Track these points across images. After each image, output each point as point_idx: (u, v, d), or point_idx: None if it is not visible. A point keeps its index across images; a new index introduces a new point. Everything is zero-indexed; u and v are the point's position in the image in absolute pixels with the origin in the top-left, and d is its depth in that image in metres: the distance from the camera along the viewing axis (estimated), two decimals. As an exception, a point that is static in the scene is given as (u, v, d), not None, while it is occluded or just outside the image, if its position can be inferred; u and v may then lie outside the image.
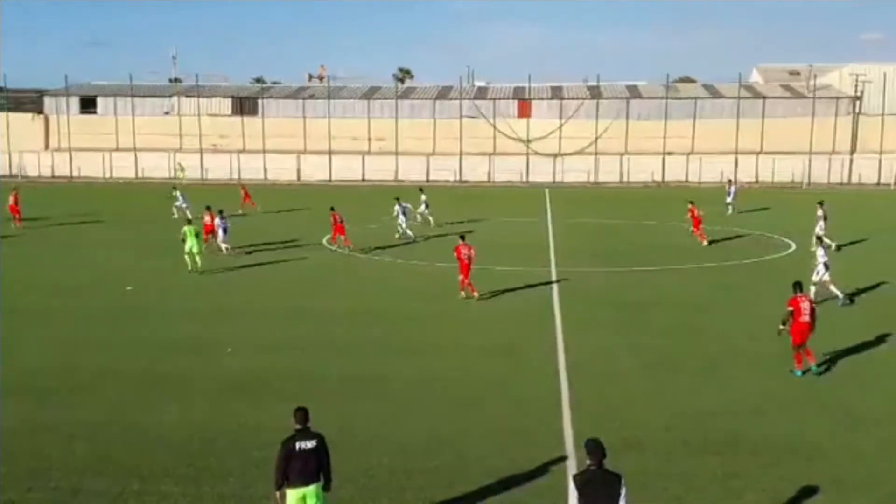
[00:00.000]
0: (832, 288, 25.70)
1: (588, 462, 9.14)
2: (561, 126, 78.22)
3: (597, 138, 76.89)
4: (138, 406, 16.71)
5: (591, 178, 75.46)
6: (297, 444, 10.45)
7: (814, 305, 19.10)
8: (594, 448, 9.11)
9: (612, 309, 25.36)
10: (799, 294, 18.99)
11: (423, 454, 14.29)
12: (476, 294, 26.40)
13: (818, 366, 18.68)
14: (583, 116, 78.71)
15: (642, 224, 45.73)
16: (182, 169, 74.30)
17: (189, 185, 63.24)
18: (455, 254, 26.69)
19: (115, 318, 24.31)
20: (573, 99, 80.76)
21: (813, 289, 24.64)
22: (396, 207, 40.54)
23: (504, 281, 29.22)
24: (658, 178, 74.92)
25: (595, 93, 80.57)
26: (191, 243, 31.39)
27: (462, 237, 27.86)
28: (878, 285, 28.55)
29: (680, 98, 79.68)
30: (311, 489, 10.49)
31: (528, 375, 18.74)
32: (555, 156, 77.03)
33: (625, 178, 75.50)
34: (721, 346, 21.14)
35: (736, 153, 74.41)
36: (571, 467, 13.21)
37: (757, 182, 73.02)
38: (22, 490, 12.85)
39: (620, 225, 46.14)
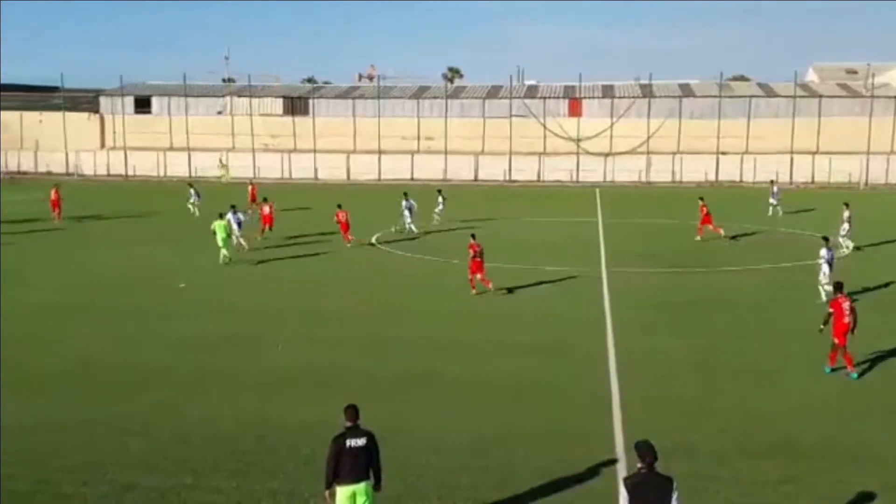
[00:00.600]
0: (823, 287, 25.44)
1: (639, 465, 9.03)
2: (612, 125, 77.54)
3: (649, 137, 76.07)
4: (189, 402, 16.93)
5: (643, 178, 74.68)
6: (348, 442, 10.51)
7: (853, 305, 18.78)
8: (645, 450, 9.00)
9: (664, 309, 25.08)
10: (840, 295, 18.83)
11: (471, 453, 14.26)
12: (475, 291, 27.02)
13: (855, 372, 18.36)
14: (634, 115, 77.85)
15: (696, 225, 45.01)
16: (224, 166, 74.86)
17: (237, 183, 63.83)
18: (470, 251, 27.22)
19: (163, 315, 24.64)
20: (625, 98, 79.95)
21: (824, 290, 24.82)
22: (403, 203, 41.20)
23: (554, 280, 29.14)
24: (711, 178, 73.84)
25: (647, 91, 79.68)
26: (222, 236, 32.21)
27: (472, 235, 28.34)
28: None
29: (734, 97, 78.38)
30: (361, 486, 10.53)
31: (577, 375, 18.62)
32: (606, 155, 76.39)
33: (677, 178, 74.50)
34: (775, 347, 20.77)
35: (791, 153, 73.03)
36: (622, 469, 13.10)
37: (813, 182, 71.64)
38: (77, 483, 13.09)
39: (673, 225, 45.57)
